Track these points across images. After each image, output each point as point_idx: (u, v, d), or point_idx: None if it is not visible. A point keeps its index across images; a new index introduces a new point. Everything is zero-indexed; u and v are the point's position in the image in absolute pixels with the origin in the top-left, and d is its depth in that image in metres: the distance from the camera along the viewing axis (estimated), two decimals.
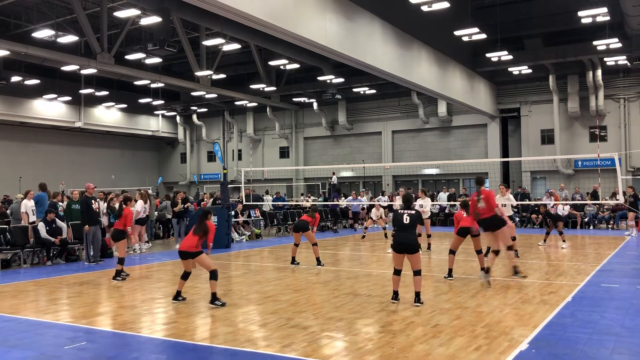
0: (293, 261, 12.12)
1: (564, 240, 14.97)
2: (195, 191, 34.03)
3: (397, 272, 7.95)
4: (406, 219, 7.86)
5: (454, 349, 5.73)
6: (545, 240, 15.69)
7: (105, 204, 14.75)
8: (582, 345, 5.81)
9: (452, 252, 10.00)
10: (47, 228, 12.76)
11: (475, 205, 9.46)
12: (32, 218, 13.46)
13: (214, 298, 8.02)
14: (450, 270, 10.04)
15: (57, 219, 13.19)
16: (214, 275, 8.00)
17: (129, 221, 10.65)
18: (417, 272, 7.78)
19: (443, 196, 25.49)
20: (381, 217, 19.03)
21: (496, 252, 9.50)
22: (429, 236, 14.78)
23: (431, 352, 5.61)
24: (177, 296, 8.37)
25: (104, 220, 14.59)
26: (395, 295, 8.04)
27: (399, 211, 8.06)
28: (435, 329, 6.53)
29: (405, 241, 7.75)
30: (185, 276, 8.37)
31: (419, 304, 7.72)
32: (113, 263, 13.08)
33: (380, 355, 5.55)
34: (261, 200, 23.08)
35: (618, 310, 7.46)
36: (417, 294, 7.81)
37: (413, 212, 7.97)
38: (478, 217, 9.45)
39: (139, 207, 15.39)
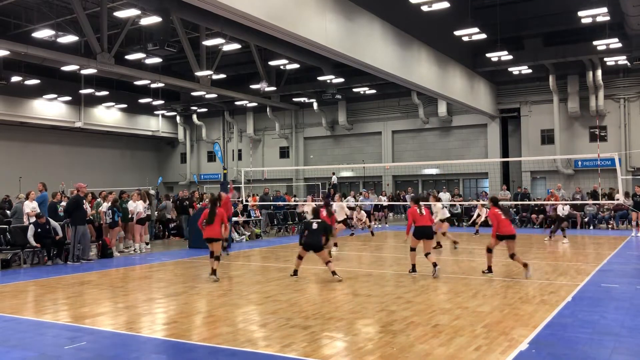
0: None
1: (564, 236, 16.35)
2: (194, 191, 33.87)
3: (300, 257, 10.41)
4: (315, 226, 10.03)
5: (454, 349, 5.73)
6: (550, 237, 16.82)
7: (109, 203, 14.75)
8: (582, 345, 5.81)
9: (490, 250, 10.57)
10: (39, 230, 12.68)
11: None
12: (34, 218, 13.42)
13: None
14: (489, 267, 10.53)
15: (50, 220, 13.16)
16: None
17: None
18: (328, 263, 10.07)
19: (443, 196, 25.43)
20: (362, 219, 20.38)
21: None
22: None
23: (431, 352, 5.61)
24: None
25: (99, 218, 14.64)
26: (295, 273, 10.46)
27: (310, 220, 10.31)
28: (435, 329, 6.52)
29: (314, 242, 9.95)
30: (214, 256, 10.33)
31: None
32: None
33: (380, 355, 5.54)
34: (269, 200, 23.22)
35: (618, 310, 7.45)
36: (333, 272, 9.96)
37: (320, 220, 10.21)
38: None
39: (140, 208, 15.43)
